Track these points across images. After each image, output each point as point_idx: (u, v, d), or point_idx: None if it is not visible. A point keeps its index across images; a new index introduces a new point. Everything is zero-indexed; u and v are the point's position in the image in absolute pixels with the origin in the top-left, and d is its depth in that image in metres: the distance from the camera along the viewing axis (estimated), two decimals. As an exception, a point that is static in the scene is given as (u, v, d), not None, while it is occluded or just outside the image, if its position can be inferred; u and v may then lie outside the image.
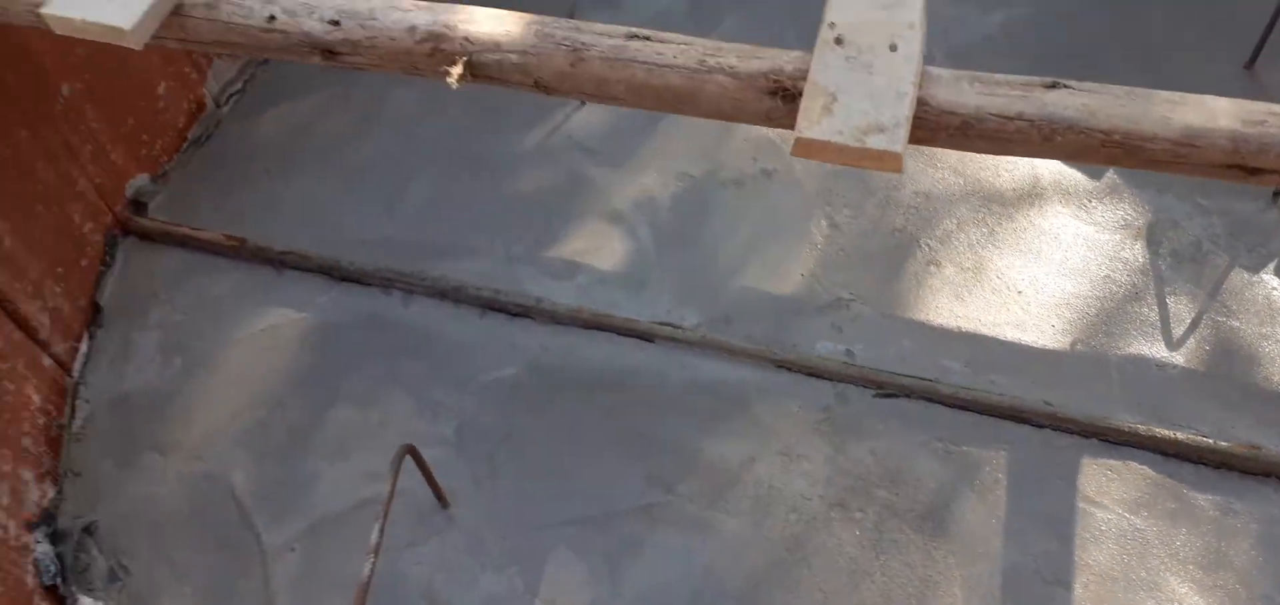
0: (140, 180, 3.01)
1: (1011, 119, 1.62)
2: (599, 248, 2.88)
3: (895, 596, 2.25)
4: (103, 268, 2.86)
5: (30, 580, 2.23)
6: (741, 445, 2.48)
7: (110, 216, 2.91)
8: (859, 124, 1.57)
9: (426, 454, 2.47)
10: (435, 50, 1.82)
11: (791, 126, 1.74)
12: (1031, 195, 2.89)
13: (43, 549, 2.32)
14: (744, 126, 3.11)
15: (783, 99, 1.70)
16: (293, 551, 2.39)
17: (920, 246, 2.80)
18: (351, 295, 2.82)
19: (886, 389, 2.52)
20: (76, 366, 2.69)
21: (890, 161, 1.54)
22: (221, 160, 3.15)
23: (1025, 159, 2.96)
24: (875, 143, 1.55)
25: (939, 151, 2.98)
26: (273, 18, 1.87)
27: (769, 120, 1.77)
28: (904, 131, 1.55)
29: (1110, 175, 2.93)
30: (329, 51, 2.02)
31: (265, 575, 2.35)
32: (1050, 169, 2.94)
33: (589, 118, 3.19)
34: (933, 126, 1.63)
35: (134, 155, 2.97)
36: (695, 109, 1.91)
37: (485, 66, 1.92)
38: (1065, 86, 1.63)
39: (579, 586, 2.30)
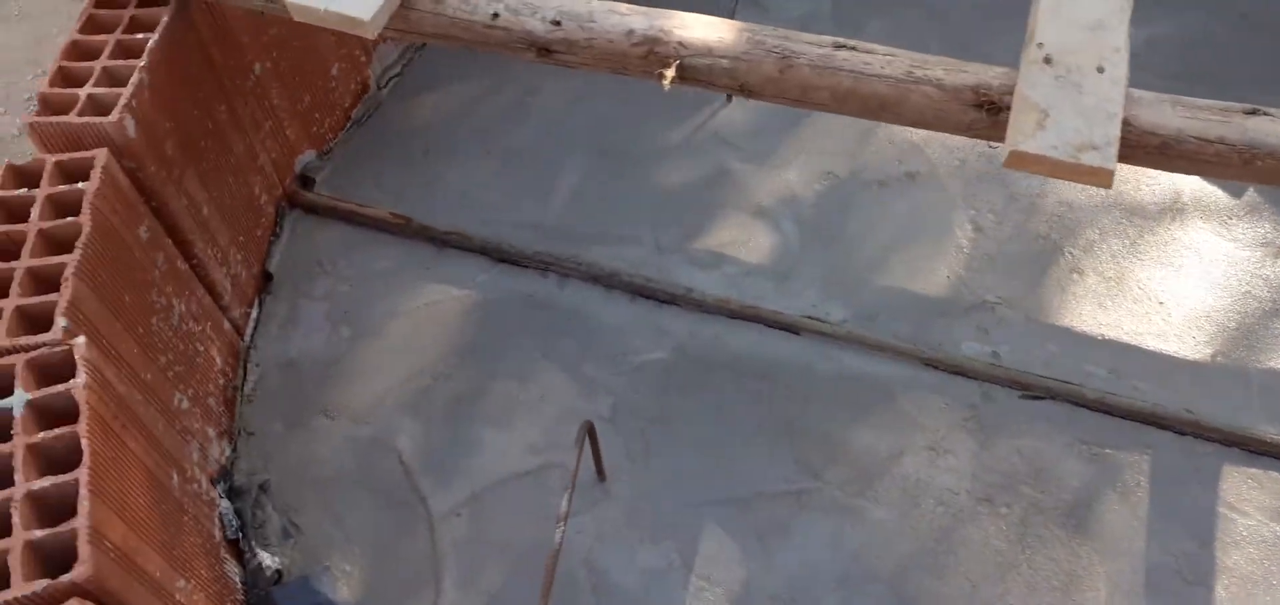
0: (308, 156, 3.19)
1: (1211, 142, 1.69)
2: (745, 241, 2.98)
3: (1040, 588, 2.33)
4: (272, 238, 3.04)
5: (217, 534, 2.40)
6: (888, 437, 2.57)
7: (281, 190, 3.09)
8: (1073, 141, 1.66)
9: (584, 429, 2.61)
10: (650, 53, 1.94)
11: (990, 138, 1.84)
12: (1172, 210, 2.94)
13: (224, 505, 2.49)
14: (886, 130, 3.20)
15: (987, 112, 1.79)
16: (458, 516, 2.53)
17: (1063, 254, 2.86)
18: (510, 276, 2.96)
19: (1032, 391, 2.60)
20: (248, 331, 2.86)
21: (1102, 177, 1.63)
22: (382, 140, 3.32)
23: (1166, 175, 3.01)
24: (1089, 159, 1.63)
25: (1080, 161, 3.02)
26: (496, 15, 2.00)
27: (969, 131, 1.87)
28: (1114, 149, 1.63)
29: (1251, 193, 2.96)
30: (545, 49, 2.16)
31: (432, 538, 2.50)
32: (1192, 185, 2.99)
33: (733, 115, 3.30)
34: (1134, 145, 1.71)
35: (306, 132, 3.15)
36: (897, 116, 2.02)
37: (696, 70, 2.04)
38: (1266, 114, 1.69)
39: (732, 563, 2.42)
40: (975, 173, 3.07)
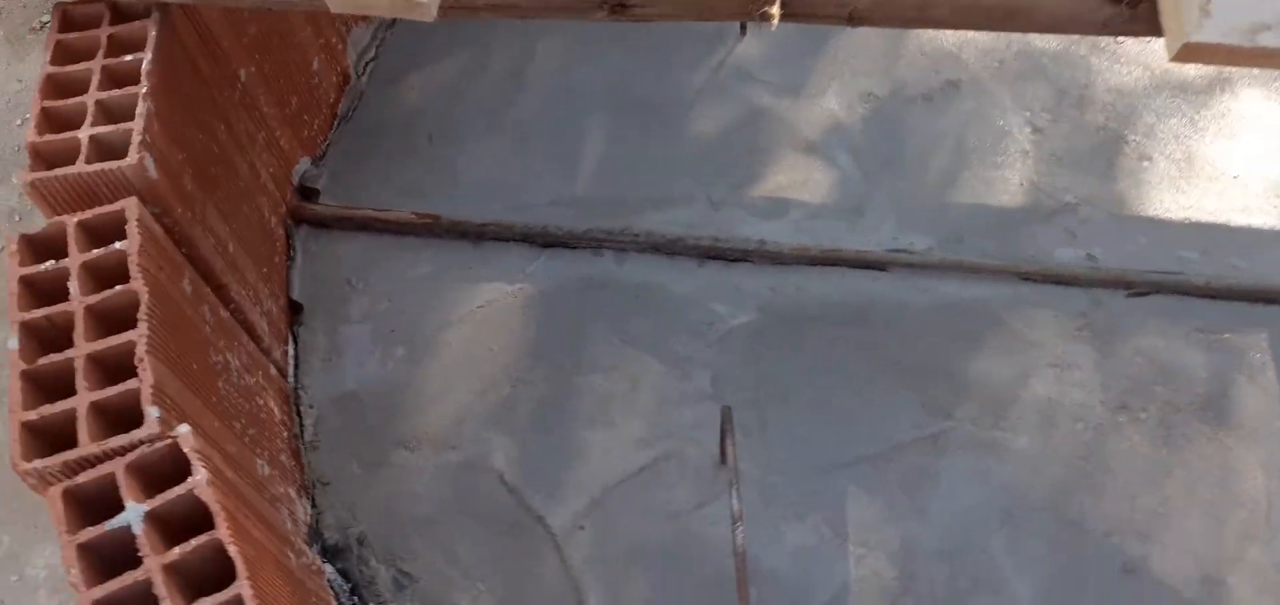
0: (303, 164, 2.83)
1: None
2: (803, 181, 2.81)
3: (1198, 488, 2.28)
4: (288, 262, 2.69)
5: (333, 602, 2.12)
6: (1008, 362, 2.47)
7: (284, 207, 2.73)
8: (1243, 24, 1.56)
9: (688, 411, 2.43)
10: None
11: (1127, 33, 1.74)
12: (1218, 81, 2.91)
13: (329, 570, 2.20)
14: (914, 40, 3.06)
15: (1128, 4, 1.68)
16: (582, 529, 2.31)
17: (1127, 142, 2.80)
18: (561, 261, 2.71)
19: (1138, 288, 2.53)
20: (289, 371, 2.53)
21: None
22: (376, 133, 2.97)
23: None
24: (1266, 40, 1.55)
25: (1120, 46, 2.97)
26: None
27: (1105, 29, 1.78)
28: (1300, 24, 1.54)
29: (1283, 51, 2.96)
30: (620, 5, 1.93)
31: (562, 558, 2.27)
32: (1230, 51, 2.96)
33: (751, 49, 3.09)
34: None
35: (298, 138, 2.79)
36: (1026, 23, 1.89)
37: (801, 1, 1.85)
38: None
39: (885, 523, 2.28)
40: (1016, 72, 2.97)
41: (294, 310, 2.62)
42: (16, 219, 2.93)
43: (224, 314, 2.18)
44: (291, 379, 2.53)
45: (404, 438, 2.45)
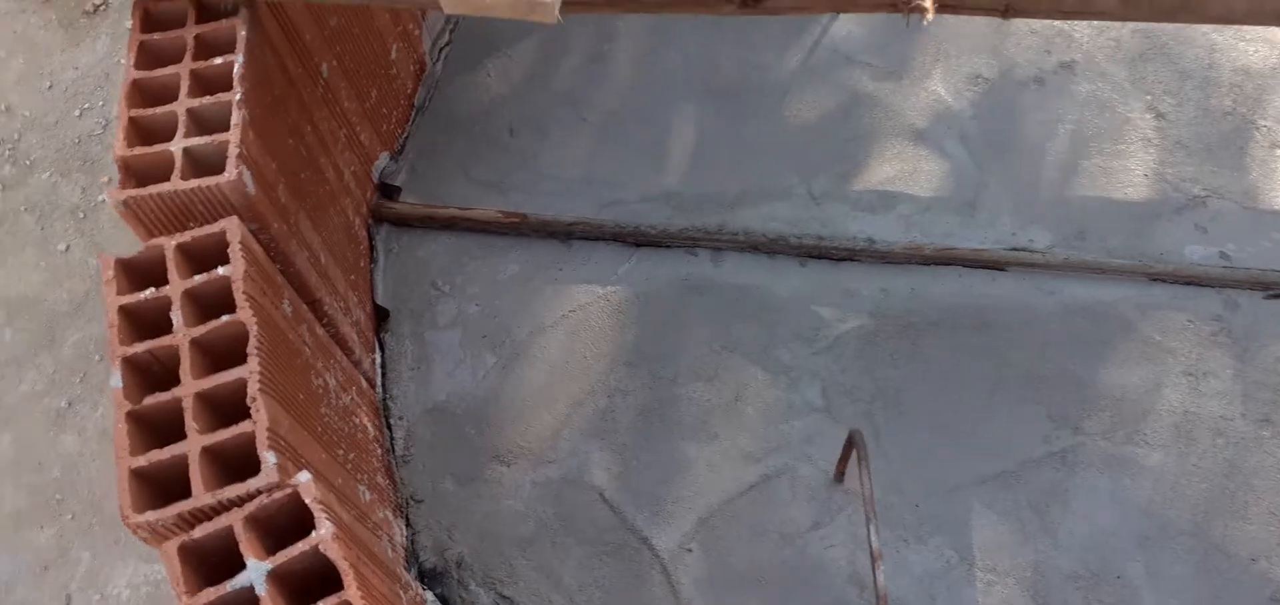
0: (382, 160, 2.71)
1: None
2: (911, 172, 2.65)
3: (1352, 510, 2.14)
4: (371, 265, 2.58)
5: (439, 631, 2.03)
6: (1140, 370, 2.32)
7: (366, 207, 2.61)
8: None
9: (798, 424, 2.30)
10: None
11: None
12: (1354, 58, 2.71)
13: (430, 598, 2.10)
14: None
15: None
16: (690, 551, 2.20)
17: (1257, 128, 2.62)
18: (654, 261, 2.58)
19: (1277, 290, 2.36)
20: (377, 382, 2.43)
21: None
22: (455, 125, 2.84)
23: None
24: None
25: (1246, 26, 2.77)
26: None
27: None
28: None
29: None
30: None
31: (669, 582, 2.17)
32: (1367, 26, 2.75)
33: (847, 24, 2.92)
34: None
35: (377, 133, 2.66)
36: (1198, 13, 1.73)
37: None
38: None
39: (1015, 547, 2.15)
40: (1134, 52, 2.78)
41: (380, 316, 2.51)
42: (81, 216, 2.83)
43: (320, 331, 2.08)
44: (380, 390, 2.43)
45: (499, 451, 2.35)
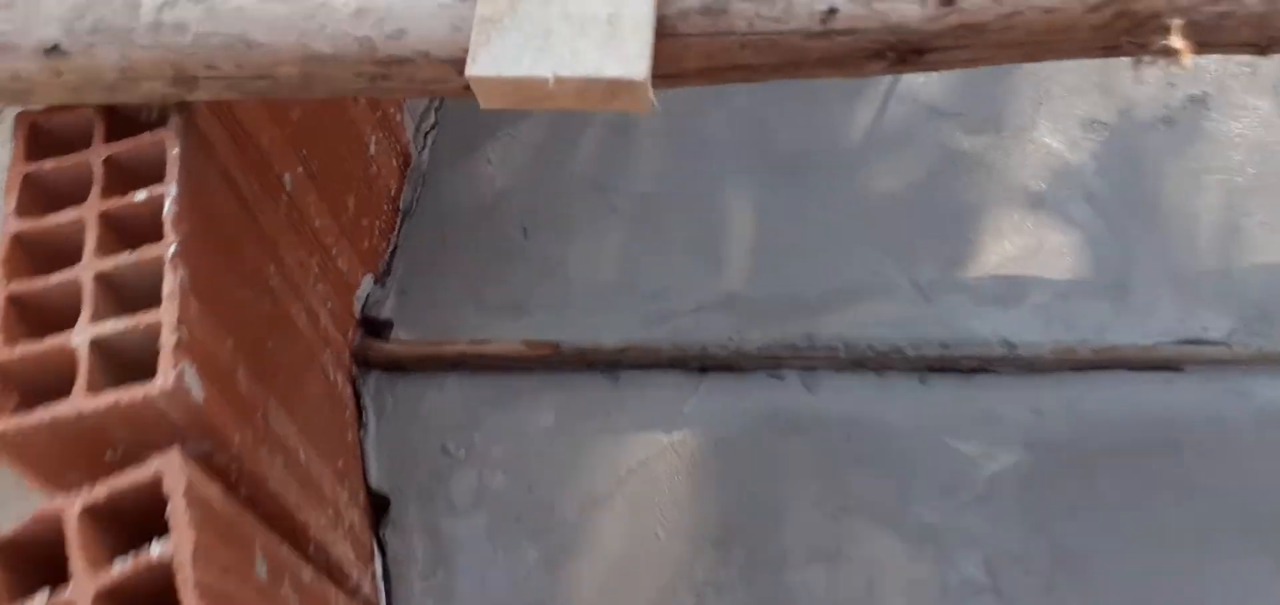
0: (365, 285, 2.08)
1: None
2: (1037, 247, 2.10)
3: None
4: (360, 433, 1.94)
5: None
6: (1385, 494, 1.78)
7: (348, 352, 1.98)
8: None
9: (956, 608, 1.71)
10: (1122, 14, 1.09)
11: None
12: None
13: None
14: (1137, 45, 2.35)
15: None
16: None
17: None
18: (729, 390, 1.99)
19: None
20: (381, 599, 1.79)
21: None
22: (453, 229, 2.23)
23: None
24: None
25: None
26: (833, 10, 1.07)
27: None
28: None
29: None
30: (913, 51, 1.25)
31: None
32: None
33: (922, 73, 2.37)
34: None
35: (357, 251, 2.04)
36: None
37: (1204, 26, 1.22)
38: None
39: None
40: (1277, 77, 2.27)
41: (377, 507, 1.87)
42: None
43: (307, 577, 1.44)
44: (385, 608, 1.79)
45: (559, 686, 1.72)
